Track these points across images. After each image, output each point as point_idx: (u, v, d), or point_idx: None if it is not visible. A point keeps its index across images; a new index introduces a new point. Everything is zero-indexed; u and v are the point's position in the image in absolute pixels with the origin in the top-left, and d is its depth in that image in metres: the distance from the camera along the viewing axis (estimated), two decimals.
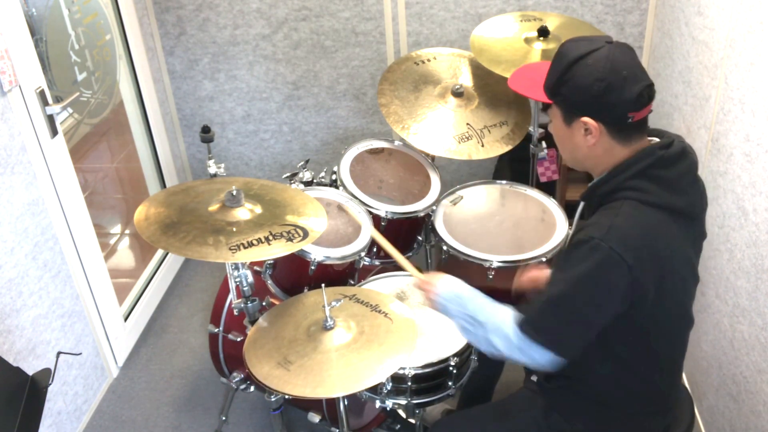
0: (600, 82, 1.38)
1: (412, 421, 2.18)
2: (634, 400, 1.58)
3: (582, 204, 1.65)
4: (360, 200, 2.31)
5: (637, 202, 1.41)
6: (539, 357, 1.45)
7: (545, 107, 1.54)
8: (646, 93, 1.40)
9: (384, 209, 2.31)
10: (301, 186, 2.34)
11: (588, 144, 1.45)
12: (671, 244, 1.42)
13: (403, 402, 1.89)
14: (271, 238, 1.68)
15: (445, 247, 2.25)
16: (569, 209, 2.45)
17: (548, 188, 2.71)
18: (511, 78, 1.54)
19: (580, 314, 1.42)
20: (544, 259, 2.19)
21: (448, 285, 1.62)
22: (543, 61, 1.58)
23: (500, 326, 1.48)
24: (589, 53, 1.40)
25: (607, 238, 1.36)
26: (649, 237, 1.39)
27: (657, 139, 1.50)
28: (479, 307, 1.54)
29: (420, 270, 1.81)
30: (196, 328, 3.00)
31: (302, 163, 2.45)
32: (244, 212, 1.75)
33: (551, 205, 2.40)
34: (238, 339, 2.18)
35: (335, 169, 2.42)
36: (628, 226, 1.38)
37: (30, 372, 1.54)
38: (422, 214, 2.36)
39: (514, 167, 2.91)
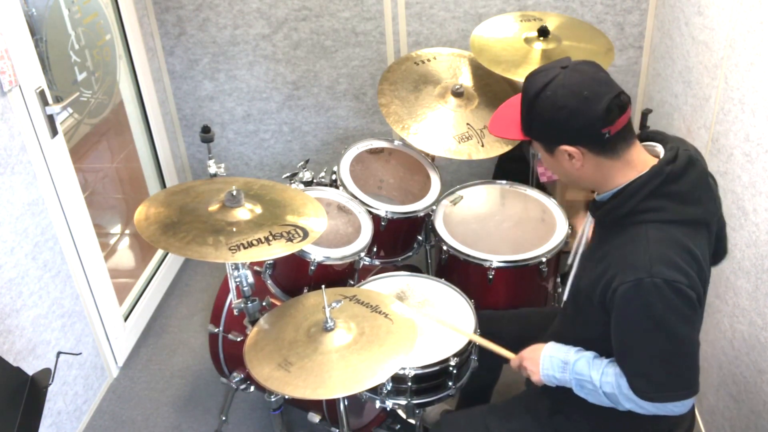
0: (562, 109, 1.38)
1: (412, 421, 2.18)
2: None
3: (591, 221, 1.63)
4: (360, 200, 2.31)
5: (657, 223, 1.40)
6: (674, 408, 1.47)
7: (529, 142, 1.56)
8: (615, 105, 1.38)
9: (384, 209, 2.31)
10: (301, 186, 2.34)
11: (576, 167, 1.46)
12: (702, 253, 1.42)
13: (403, 402, 1.89)
14: (271, 238, 1.68)
15: (445, 247, 2.25)
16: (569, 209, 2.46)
17: (548, 188, 2.72)
18: (490, 124, 1.56)
19: (685, 353, 1.43)
20: (543, 259, 2.19)
21: (546, 352, 1.62)
22: (517, 95, 1.59)
23: (619, 397, 1.49)
24: (546, 85, 1.40)
25: (656, 273, 1.35)
26: (685, 252, 1.38)
27: (655, 144, 1.50)
28: (582, 379, 1.55)
29: (511, 350, 1.77)
30: (196, 328, 3.00)
31: (302, 163, 2.45)
32: (244, 212, 1.75)
33: (551, 205, 2.40)
34: (238, 339, 2.18)
35: (335, 169, 2.42)
36: (664, 250, 1.37)
37: (30, 372, 1.54)
38: (422, 214, 2.36)
39: (514, 167, 2.91)
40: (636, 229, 1.41)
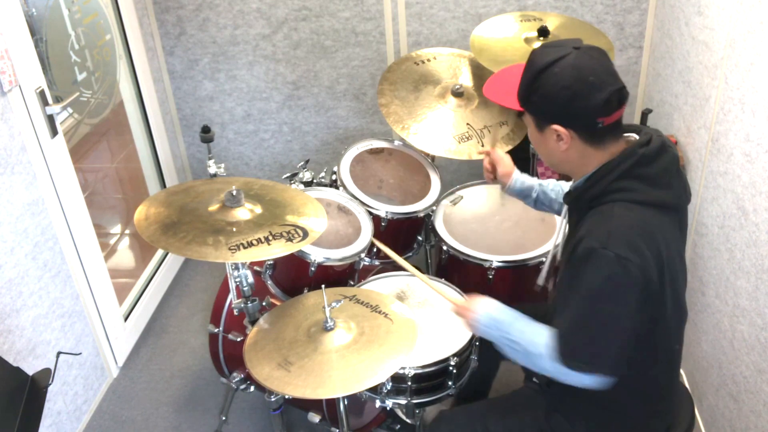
0: (566, 90, 1.39)
1: (412, 421, 2.17)
2: (635, 397, 1.58)
3: (566, 208, 1.65)
4: (360, 200, 2.31)
5: (627, 202, 1.42)
6: (586, 380, 1.47)
7: (520, 114, 1.56)
8: (615, 97, 1.40)
9: (384, 209, 2.31)
10: (301, 186, 2.35)
11: (561, 149, 1.47)
12: (665, 238, 1.44)
13: (403, 402, 1.89)
14: (270, 238, 1.68)
15: (445, 247, 2.25)
16: None
17: None
18: (486, 84, 1.56)
19: (607, 328, 1.42)
20: (543, 259, 2.19)
21: (485, 309, 1.61)
22: (518, 64, 1.60)
23: (539, 355, 1.48)
24: (556, 61, 1.40)
25: (610, 245, 1.36)
26: (646, 234, 1.40)
27: (635, 135, 1.51)
28: (518, 332, 1.54)
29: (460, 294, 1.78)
30: (196, 328, 3.00)
31: (302, 163, 2.45)
32: (244, 212, 1.75)
33: None
34: (238, 339, 2.18)
35: (335, 169, 2.42)
36: (625, 228, 1.39)
37: (30, 372, 1.54)
38: (422, 214, 2.36)
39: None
40: (605, 208, 1.43)
